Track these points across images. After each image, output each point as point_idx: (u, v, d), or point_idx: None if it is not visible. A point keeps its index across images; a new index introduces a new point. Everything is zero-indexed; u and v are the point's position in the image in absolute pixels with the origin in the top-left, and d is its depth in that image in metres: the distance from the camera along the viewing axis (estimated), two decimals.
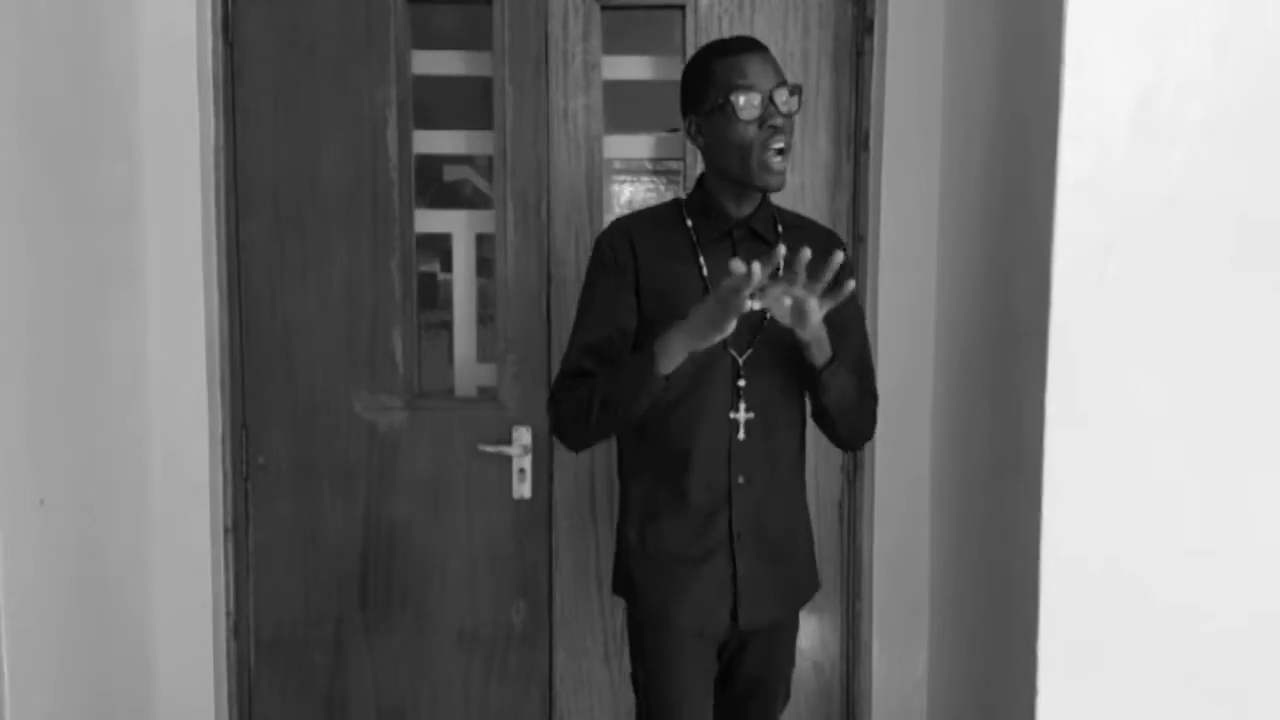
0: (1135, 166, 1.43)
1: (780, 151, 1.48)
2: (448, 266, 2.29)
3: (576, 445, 1.59)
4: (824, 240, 1.64)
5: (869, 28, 2.09)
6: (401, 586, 2.20)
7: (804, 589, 1.68)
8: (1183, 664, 1.48)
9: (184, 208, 2.02)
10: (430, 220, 2.25)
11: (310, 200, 2.14)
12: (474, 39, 2.16)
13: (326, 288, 2.15)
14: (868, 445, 2.13)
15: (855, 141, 2.15)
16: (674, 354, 1.42)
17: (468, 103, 2.24)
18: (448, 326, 2.28)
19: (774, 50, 2.10)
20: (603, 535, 2.19)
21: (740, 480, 1.56)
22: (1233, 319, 1.45)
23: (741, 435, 1.54)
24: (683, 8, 2.12)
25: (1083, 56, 1.42)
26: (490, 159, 2.17)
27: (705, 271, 1.55)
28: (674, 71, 2.16)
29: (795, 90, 1.49)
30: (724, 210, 1.56)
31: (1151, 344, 1.45)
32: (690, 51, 2.11)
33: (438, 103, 2.24)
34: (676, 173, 2.25)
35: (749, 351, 1.55)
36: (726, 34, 2.12)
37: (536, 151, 2.13)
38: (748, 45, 1.50)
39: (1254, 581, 1.47)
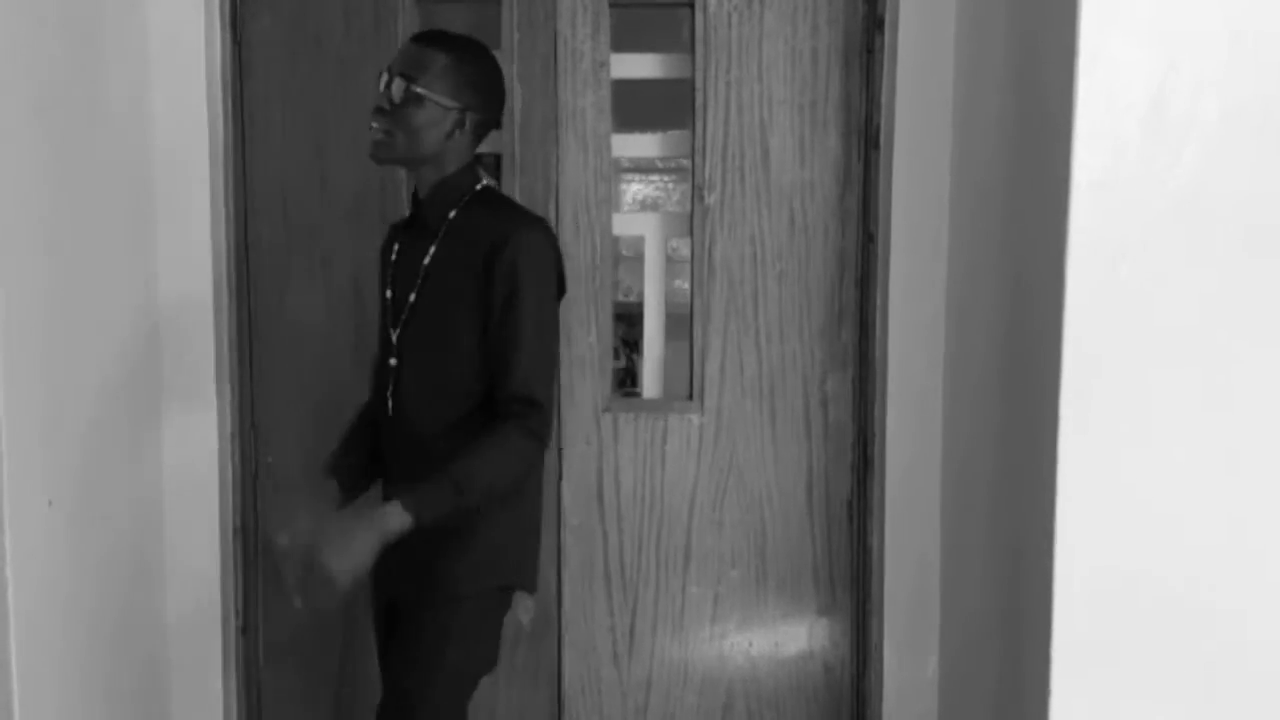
0: (1150, 165, 1.42)
1: (378, 129, 1.54)
2: None
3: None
4: (495, 238, 1.51)
5: (879, 25, 2.08)
6: None
7: (450, 574, 1.55)
8: (1199, 665, 1.47)
9: (193, 207, 2.02)
10: None
11: (319, 199, 2.14)
12: (482, 37, 2.15)
13: (335, 287, 2.15)
14: (877, 443, 2.12)
15: (865, 139, 2.14)
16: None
17: None
18: None
19: (783, 47, 2.12)
20: (610, 534, 2.19)
21: (392, 452, 1.62)
22: (1248, 318, 1.43)
23: (389, 412, 1.60)
24: (692, 5, 2.11)
25: (1096, 54, 1.41)
26: (499, 157, 2.16)
27: (393, 256, 1.64)
28: (684, 69, 2.16)
29: (410, 80, 1.51)
30: (414, 194, 1.63)
31: (1166, 343, 1.44)
32: (701, 49, 2.11)
33: None
34: (684, 170, 2.24)
35: (398, 330, 1.60)
36: (736, 32, 2.12)
37: (545, 150, 2.12)
38: (414, 36, 1.59)
39: (1272, 583, 1.46)
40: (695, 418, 2.18)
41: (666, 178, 2.33)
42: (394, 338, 1.59)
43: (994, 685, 1.78)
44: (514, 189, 2.12)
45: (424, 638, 1.56)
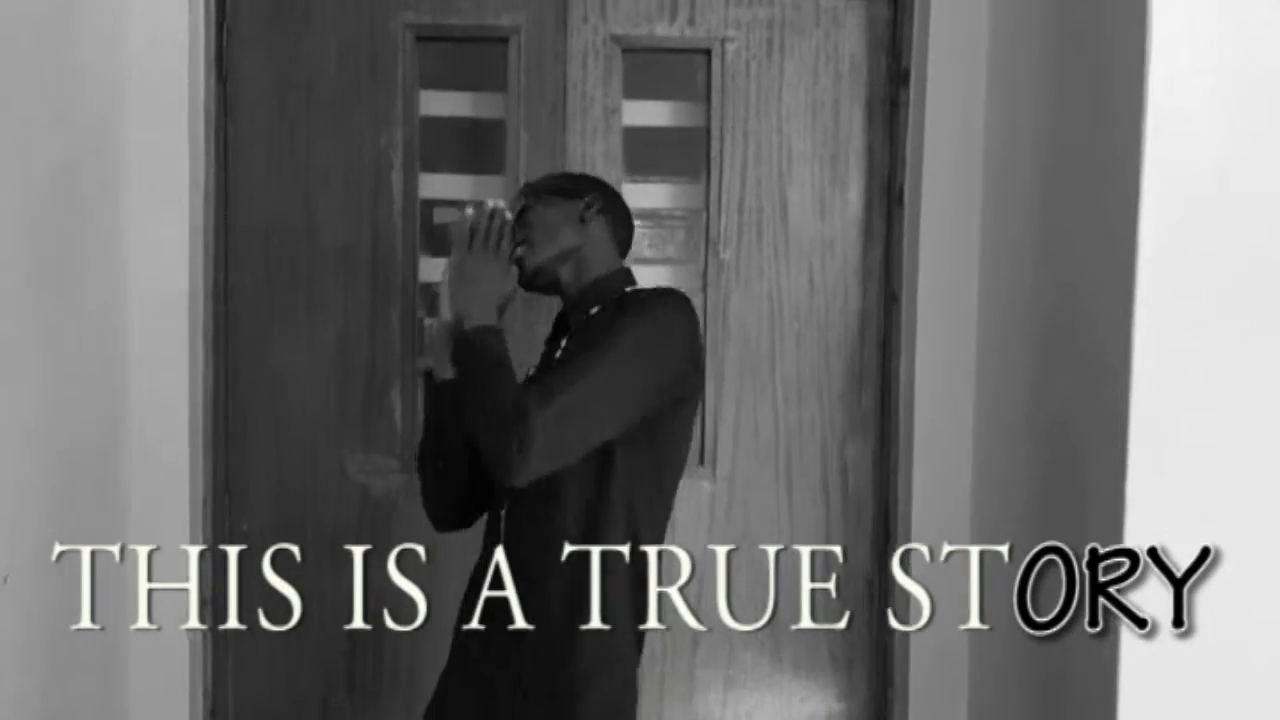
0: (1219, 240, 1.32)
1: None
2: None
3: (431, 513, 1.60)
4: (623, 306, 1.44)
5: (904, 78, 1.99)
6: (392, 666, 2.04)
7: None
8: None
9: (170, 253, 1.88)
10: (437, 269, 2.11)
11: (306, 246, 2.01)
12: (488, 79, 2.04)
13: (320, 340, 2.01)
14: (900, 516, 2.00)
15: (889, 195, 2.04)
16: (438, 349, 1.43)
17: (473, 146, 2.11)
18: None
19: (803, 97, 2.03)
20: None
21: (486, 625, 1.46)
22: None
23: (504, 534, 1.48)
24: (708, 52, 2.02)
25: (1161, 117, 1.32)
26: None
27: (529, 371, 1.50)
28: (697, 118, 2.07)
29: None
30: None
31: (1240, 426, 1.33)
32: (717, 98, 2.01)
33: (443, 146, 2.11)
34: (682, 220, 2.12)
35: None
36: (754, 81, 2.03)
37: None
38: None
39: None
40: (706, 484, 2.06)
41: (663, 227, 2.20)
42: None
43: None
44: None
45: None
